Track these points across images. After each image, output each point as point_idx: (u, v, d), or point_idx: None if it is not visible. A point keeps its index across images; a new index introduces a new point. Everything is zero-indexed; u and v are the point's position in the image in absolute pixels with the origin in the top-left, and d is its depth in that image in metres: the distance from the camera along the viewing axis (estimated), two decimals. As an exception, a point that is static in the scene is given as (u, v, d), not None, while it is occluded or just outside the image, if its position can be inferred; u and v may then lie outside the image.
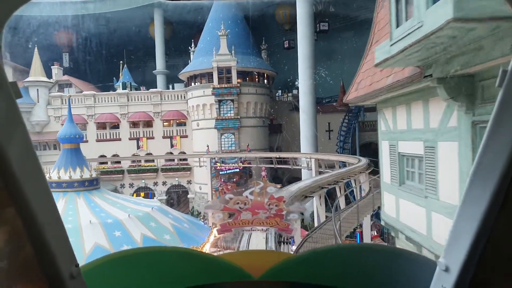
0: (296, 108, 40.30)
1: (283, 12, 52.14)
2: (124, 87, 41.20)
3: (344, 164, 24.59)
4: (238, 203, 1.68)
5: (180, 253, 1.54)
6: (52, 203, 0.88)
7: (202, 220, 31.37)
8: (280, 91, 47.90)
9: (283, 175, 38.19)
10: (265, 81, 38.30)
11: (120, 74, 45.85)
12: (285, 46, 53.84)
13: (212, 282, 1.49)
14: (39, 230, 0.82)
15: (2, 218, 0.80)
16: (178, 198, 41.73)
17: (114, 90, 41.25)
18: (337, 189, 13.15)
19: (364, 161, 17.97)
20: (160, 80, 50.93)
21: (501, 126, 0.78)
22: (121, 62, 46.49)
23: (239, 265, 1.50)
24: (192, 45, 40.29)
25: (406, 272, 1.38)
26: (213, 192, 33.42)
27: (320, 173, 25.01)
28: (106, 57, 52.88)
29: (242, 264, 1.50)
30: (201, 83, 36.03)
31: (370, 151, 44.99)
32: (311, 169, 24.87)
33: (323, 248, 1.54)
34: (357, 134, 43.37)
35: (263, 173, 32.91)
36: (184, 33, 48.19)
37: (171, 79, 46.91)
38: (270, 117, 40.10)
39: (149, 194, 39.06)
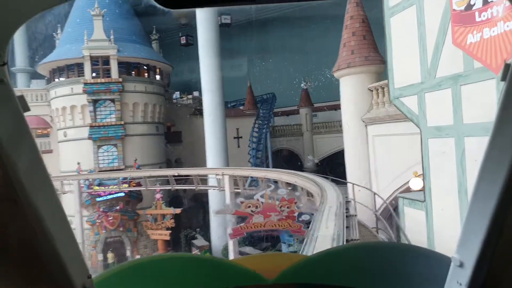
0: (197, 112, 33.48)
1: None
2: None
3: (276, 184, 18.11)
4: (249, 206, 2.12)
5: (192, 259, 1.56)
6: (63, 214, 0.88)
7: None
8: (178, 92, 40.62)
9: (185, 196, 30.73)
10: (158, 77, 30.43)
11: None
12: (182, 42, 46.97)
13: (226, 287, 1.45)
14: (51, 241, 0.83)
15: (13, 230, 0.82)
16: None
17: None
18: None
19: (334, 189, 10.26)
20: (22, 81, 39.80)
21: (508, 120, 0.82)
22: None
23: (252, 269, 1.47)
24: (58, 30, 30.61)
25: (420, 269, 1.37)
26: (90, 226, 24.34)
27: (237, 194, 18.31)
28: None
29: (255, 268, 1.47)
30: (68, 77, 26.69)
31: (281, 159, 40.75)
32: (224, 189, 18.07)
33: (335, 248, 1.55)
34: (269, 141, 38.58)
35: (158, 195, 25.08)
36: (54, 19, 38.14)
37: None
38: (167, 123, 32.29)
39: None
